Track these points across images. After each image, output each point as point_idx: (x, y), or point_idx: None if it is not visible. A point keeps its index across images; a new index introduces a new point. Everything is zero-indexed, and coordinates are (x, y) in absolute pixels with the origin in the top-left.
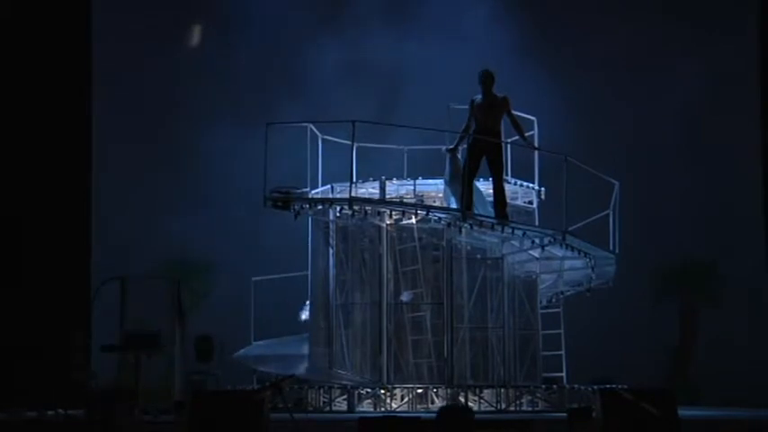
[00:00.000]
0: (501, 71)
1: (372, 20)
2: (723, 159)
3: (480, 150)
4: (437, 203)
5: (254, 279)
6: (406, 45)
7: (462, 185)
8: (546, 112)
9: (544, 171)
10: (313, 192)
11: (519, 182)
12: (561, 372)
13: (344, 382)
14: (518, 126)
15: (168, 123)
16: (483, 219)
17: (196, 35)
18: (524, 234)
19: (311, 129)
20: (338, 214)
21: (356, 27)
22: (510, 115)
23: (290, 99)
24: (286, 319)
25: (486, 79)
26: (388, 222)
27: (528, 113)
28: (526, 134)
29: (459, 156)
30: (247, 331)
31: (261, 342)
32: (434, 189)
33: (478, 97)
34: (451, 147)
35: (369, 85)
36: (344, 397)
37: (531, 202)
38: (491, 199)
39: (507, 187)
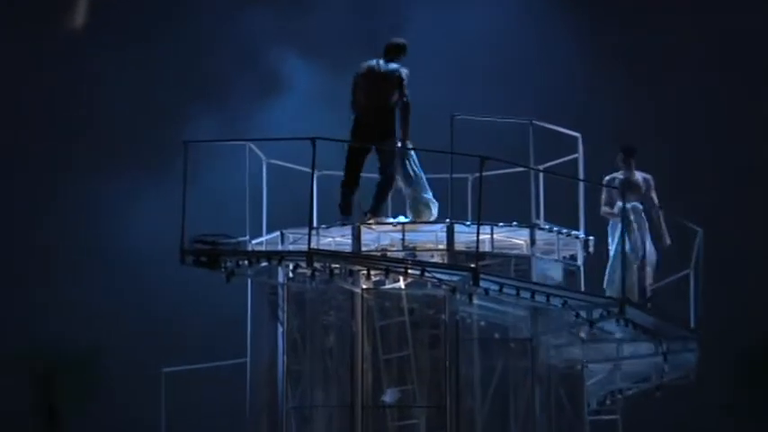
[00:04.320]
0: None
1: None
2: None
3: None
4: (436, 259)
5: (165, 370)
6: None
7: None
8: (595, 124)
9: (593, 213)
10: (254, 242)
11: (557, 228)
12: None
13: None
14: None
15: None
16: (502, 281)
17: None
18: (565, 304)
19: (251, 149)
20: (291, 275)
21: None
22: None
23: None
24: (213, 428)
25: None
26: (364, 286)
27: (574, 128)
28: (569, 157)
29: None
30: None
31: None
32: (431, 238)
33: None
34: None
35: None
36: None
37: (574, 258)
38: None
39: (540, 235)
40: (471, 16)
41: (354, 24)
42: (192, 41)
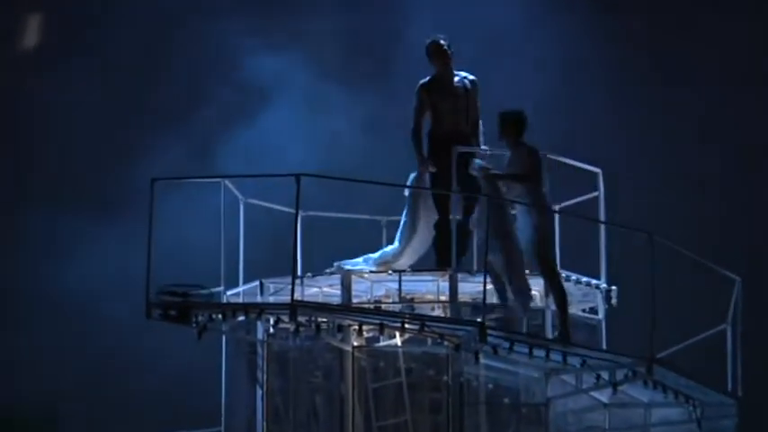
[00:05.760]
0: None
1: None
2: None
3: None
4: (438, 312)
5: None
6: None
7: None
8: (620, 156)
9: (616, 258)
10: (230, 292)
11: (574, 277)
12: None
13: None
14: None
15: None
16: (512, 337)
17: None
18: (584, 364)
19: (226, 186)
20: (272, 330)
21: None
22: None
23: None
24: None
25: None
26: (355, 344)
27: (593, 162)
28: (589, 195)
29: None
30: None
31: None
32: (431, 289)
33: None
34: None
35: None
36: None
37: (594, 311)
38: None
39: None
40: (471, 21)
41: (349, 31)
42: (162, 53)
